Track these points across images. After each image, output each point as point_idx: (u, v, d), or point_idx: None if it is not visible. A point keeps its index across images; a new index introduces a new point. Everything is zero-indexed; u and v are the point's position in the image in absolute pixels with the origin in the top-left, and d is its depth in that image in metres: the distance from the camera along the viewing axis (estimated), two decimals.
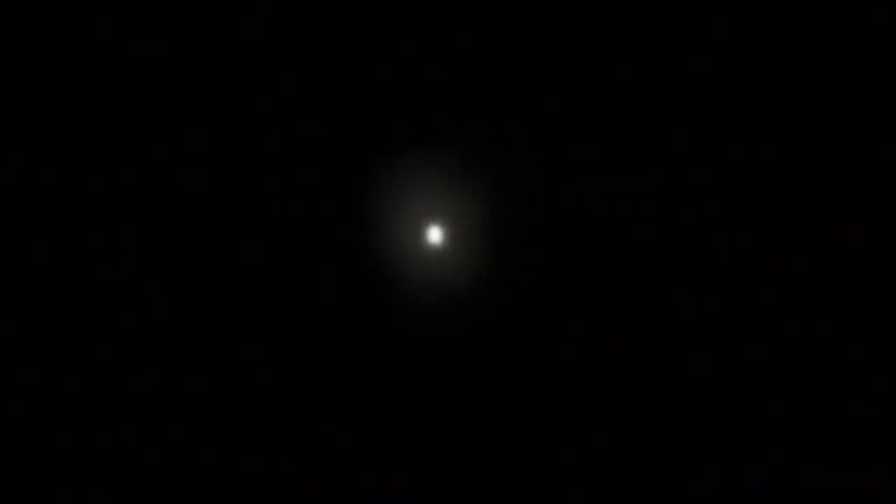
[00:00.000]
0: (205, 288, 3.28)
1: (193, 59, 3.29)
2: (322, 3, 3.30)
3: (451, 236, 3.28)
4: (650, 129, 3.29)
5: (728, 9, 3.29)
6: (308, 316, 3.28)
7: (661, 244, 3.27)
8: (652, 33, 3.29)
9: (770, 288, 3.26)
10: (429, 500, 3.18)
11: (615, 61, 3.29)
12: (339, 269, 3.28)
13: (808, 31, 3.29)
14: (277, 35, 3.30)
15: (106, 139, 3.30)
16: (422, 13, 3.31)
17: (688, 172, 3.29)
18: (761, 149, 3.28)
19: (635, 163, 3.28)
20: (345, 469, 3.25)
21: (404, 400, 3.27)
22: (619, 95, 3.30)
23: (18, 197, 3.29)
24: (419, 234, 3.28)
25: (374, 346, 3.28)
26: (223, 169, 3.29)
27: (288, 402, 3.27)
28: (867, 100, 3.28)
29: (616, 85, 3.30)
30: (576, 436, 3.24)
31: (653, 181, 3.28)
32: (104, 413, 3.25)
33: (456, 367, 3.27)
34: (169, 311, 3.28)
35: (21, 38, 3.29)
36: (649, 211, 3.28)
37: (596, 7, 3.29)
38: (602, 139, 3.29)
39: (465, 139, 3.30)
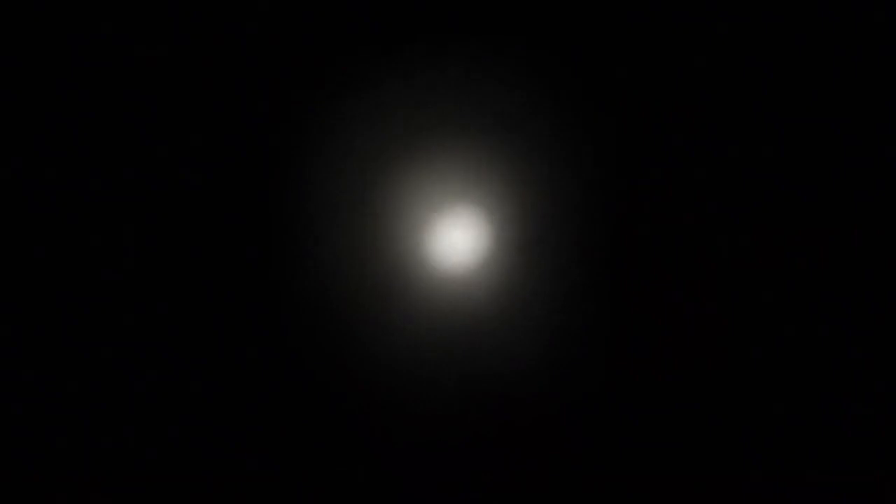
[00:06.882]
0: (202, 289, 3.29)
1: (174, 46, 3.29)
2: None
3: (460, 242, 3.28)
4: (650, 128, 3.30)
5: (728, 9, 3.29)
6: (307, 323, 3.28)
7: (660, 244, 3.28)
8: (652, 33, 3.30)
9: (770, 288, 3.26)
10: None
11: (615, 61, 3.30)
12: (341, 276, 3.28)
13: (808, 31, 3.29)
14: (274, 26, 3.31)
15: (92, 136, 3.30)
16: (421, 14, 3.31)
17: (688, 172, 3.29)
18: (761, 149, 3.29)
19: (636, 163, 3.29)
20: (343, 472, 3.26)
21: (405, 412, 3.27)
22: (619, 95, 3.30)
23: (18, 197, 3.29)
24: (427, 237, 3.29)
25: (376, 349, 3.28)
26: (222, 167, 3.29)
27: (287, 408, 3.27)
28: (867, 100, 3.28)
29: (616, 84, 3.30)
30: (576, 436, 3.25)
31: (653, 181, 3.29)
32: (98, 413, 3.26)
33: (456, 371, 3.28)
34: (168, 315, 3.28)
35: (21, 37, 3.30)
36: (649, 211, 3.28)
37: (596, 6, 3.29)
38: (602, 138, 3.29)
39: (468, 140, 3.30)
